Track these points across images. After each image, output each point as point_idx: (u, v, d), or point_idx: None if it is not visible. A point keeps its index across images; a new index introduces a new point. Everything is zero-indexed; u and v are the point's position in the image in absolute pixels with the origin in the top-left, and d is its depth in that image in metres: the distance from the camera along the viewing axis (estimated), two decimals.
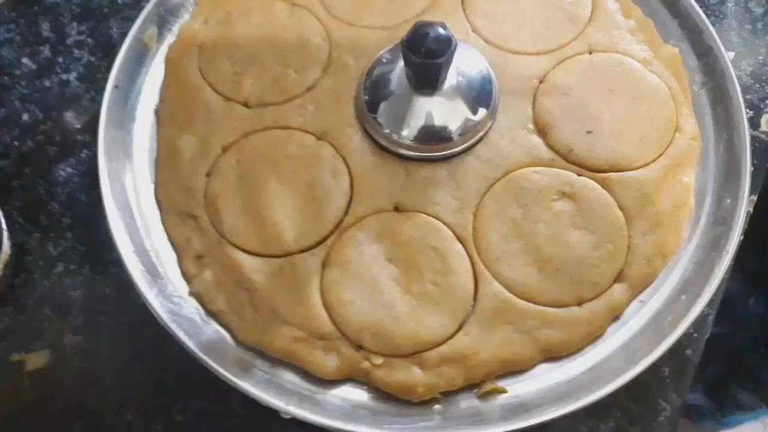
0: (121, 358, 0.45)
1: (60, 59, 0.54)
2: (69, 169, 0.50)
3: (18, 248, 0.47)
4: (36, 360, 0.45)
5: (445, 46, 0.41)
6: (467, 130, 0.46)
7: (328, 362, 0.41)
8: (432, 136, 0.46)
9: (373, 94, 0.47)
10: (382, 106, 0.46)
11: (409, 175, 0.46)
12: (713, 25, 0.50)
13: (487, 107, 0.46)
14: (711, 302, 0.42)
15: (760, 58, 0.53)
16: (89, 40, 0.55)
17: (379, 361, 0.41)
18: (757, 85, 0.52)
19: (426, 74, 0.44)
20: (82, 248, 0.48)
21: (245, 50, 0.50)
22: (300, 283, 0.43)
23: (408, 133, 0.46)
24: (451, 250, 0.44)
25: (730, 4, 0.55)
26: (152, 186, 0.47)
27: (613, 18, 0.51)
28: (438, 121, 0.46)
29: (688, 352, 0.44)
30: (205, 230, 0.45)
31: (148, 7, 0.51)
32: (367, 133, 0.47)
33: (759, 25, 0.54)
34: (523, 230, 0.44)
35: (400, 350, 0.41)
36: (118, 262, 0.43)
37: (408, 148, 0.46)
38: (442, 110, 0.46)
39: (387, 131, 0.46)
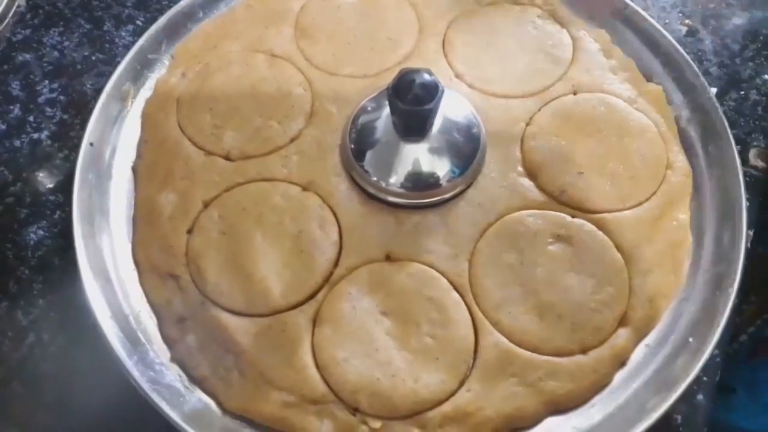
0: None
1: (31, 118, 0.52)
2: (41, 232, 0.48)
3: None
4: None
5: (433, 92, 0.40)
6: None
7: (322, 428, 0.39)
8: (421, 182, 0.45)
9: (359, 142, 0.46)
10: (369, 154, 0.45)
11: (400, 223, 0.44)
12: (694, 62, 0.50)
13: (475, 151, 0.45)
14: (718, 343, 0.41)
15: (742, 92, 0.54)
16: (61, 97, 0.53)
17: (377, 424, 0.39)
18: (742, 120, 0.52)
19: (413, 121, 0.43)
20: (56, 316, 0.45)
21: (225, 103, 0.48)
22: (290, 343, 0.40)
23: (396, 180, 0.44)
24: (448, 300, 0.42)
25: (707, 42, 0.56)
26: (130, 246, 0.45)
27: (594, 58, 0.51)
28: (426, 168, 0.45)
29: (699, 397, 0.42)
30: (186, 290, 0.43)
31: (124, 63, 0.50)
32: (354, 182, 0.45)
33: (737, 60, 0.55)
34: (521, 276, 0.42)
35: (399, 411, 0.39)
36: (94, 329, 0.41)
37: (397, 195, 0.45)
38: (430, 156, 0.45)
39: (375, 179, 0.45)
